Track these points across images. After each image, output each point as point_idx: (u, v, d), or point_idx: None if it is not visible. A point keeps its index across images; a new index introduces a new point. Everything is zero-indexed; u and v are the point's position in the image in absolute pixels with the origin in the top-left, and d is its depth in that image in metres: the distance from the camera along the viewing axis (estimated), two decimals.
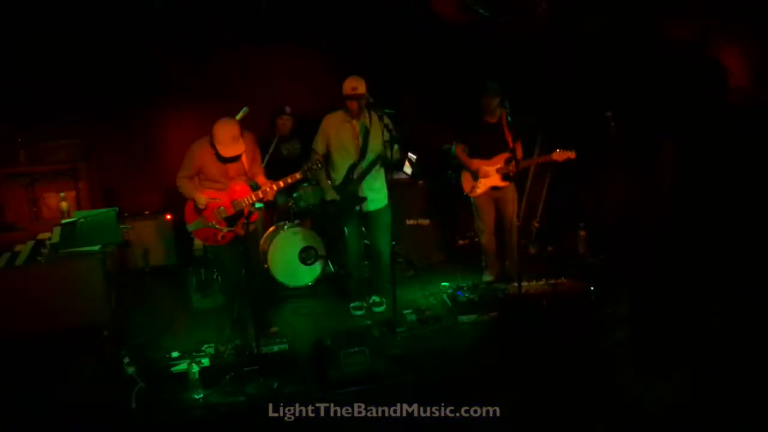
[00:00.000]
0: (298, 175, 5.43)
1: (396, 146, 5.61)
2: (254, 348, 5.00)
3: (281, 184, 5.38)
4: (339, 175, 5.97)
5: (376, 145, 5.83)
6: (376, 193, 5.96)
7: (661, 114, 5.97)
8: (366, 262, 6.45)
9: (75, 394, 4.64)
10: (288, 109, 7.17)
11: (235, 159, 5.22)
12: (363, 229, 6.23)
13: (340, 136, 5.89)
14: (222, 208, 5.31)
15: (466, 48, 7.51)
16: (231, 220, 5.33)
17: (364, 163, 5.88)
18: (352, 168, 5.90)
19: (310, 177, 5.43)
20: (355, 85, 5.71)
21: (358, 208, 5.91)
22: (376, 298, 6.20)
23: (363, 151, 5.87)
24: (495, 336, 5.48)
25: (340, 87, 5.79)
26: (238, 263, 5.37)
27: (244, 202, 5.30)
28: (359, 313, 6.12)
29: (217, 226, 5.29)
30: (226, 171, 5.31)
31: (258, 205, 5.17)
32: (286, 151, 7.09)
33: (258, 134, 5.64)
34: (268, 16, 6.99)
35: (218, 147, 5.13)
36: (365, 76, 5.79)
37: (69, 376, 4.76)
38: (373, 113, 5.77)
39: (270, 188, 5.31)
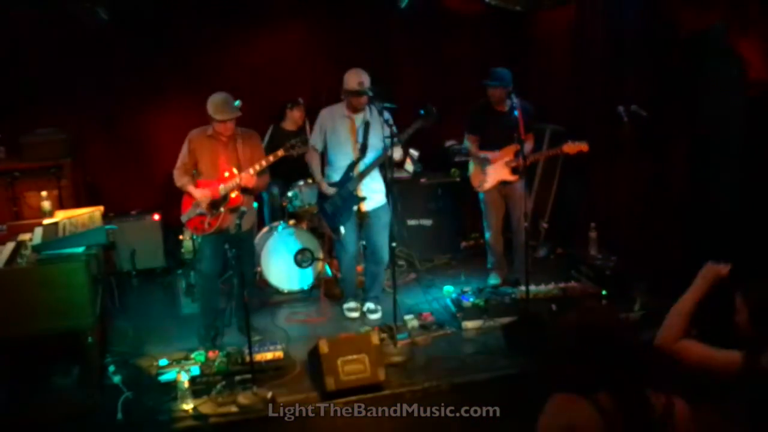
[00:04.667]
0: (280, 153, 5.25)
1: (397, 142, 5.47)
2: (247, 355, 4.80)
3: (263, 163, 5.26)
4: (336, 172, 5.78)
5: (376, 142, 5.65)
6: (374, 192, 5.80)
7: (677, 107, 5.79)
8: (359, 270, 6.29)
9: (58, 403, 4.55)
10: (301, 100, 7.05)
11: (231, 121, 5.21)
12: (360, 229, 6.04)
13: (337, 131, 5.71)
14: (209, 190, 5.30)
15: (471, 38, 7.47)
16: (216, 204, 5.31)
17: (365, 161, 5.69)
18: (352, 166, 5.71)
19: (295, 155, 5.34)
20: (362, 80, 5.51)
21: (355, 207, 5.74)
22: (371, 305, 5.99)
23: (363, 148, 5.68)
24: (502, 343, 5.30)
25: (339, 79, 5.60)
26: (216, 258, 5.46)
27: (230, 185, 5.25)
28: (354, 315, 5.96)
29: (204, 212, 5.30)
30: (217, 160, 5.30)
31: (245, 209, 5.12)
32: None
33: (251, 126, 5.52)
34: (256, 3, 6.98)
35: (213, 112, 5.16)
36: (364, 66, 5.62)
37: (52, 384, 4.71)
38: (373, 108, 5.56)
39: (249, 171, 5.25)
